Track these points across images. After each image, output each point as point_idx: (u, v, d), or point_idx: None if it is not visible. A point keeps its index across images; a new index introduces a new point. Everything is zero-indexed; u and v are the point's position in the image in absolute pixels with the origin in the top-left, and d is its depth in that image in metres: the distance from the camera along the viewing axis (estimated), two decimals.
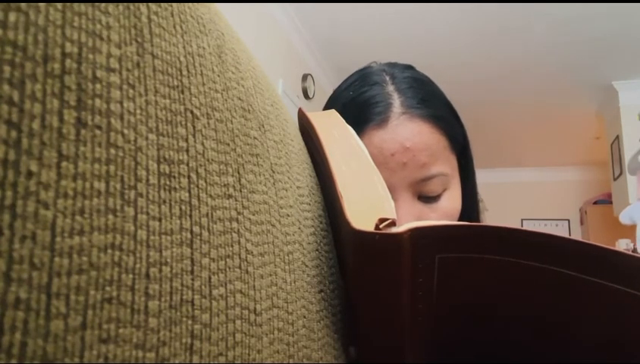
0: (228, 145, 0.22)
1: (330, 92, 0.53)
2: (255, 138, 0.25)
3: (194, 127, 0.19)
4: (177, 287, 0.16)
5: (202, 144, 0.20)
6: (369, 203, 0.28)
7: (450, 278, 0.25)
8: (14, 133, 0.12)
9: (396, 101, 0.45)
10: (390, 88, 0.46)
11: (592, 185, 5.10)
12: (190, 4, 0.22)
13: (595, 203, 4.60)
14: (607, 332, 0.25)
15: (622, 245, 3.35)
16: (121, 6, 0.17)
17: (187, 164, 0.18)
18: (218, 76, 0.23)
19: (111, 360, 0.13)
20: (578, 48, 2.94)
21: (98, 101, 0.15)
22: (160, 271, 0.16)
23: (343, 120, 0.39)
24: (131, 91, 0.16)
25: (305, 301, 0.27)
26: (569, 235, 2.51)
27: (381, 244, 0.24)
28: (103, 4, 0.16)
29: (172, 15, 0.20)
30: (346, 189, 0.29)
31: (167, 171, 0.17)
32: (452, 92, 0.54)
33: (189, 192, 0.18)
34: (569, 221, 5.22)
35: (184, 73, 0.20)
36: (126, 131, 0.16)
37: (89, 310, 0.13)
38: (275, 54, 2.66)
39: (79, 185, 0.14)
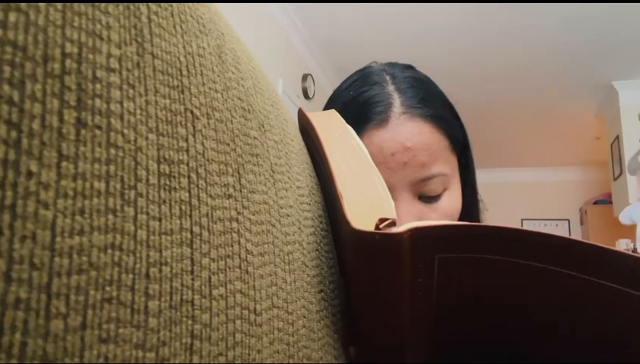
0: (228, 145, 0.22)
1: (330, 92, 0.53)
2: (255, 138, 0.25)
3: (194, 127, 0.19)
4: (177, 287, 0.16)
5: (202, 144, 0.20)
6: (369, 203, 0.28)
7: (450, 278, 0.25)
8: (14, 133, 0.12)
9: (397, 101, 0.45)
10: (391, 88, 0.46)
11: (592, 185, 5.10)
12: (190, 4, 0.22)
13: (595, 203, 4.61)
14: (607, 332, 0.25)
15: (622, 245, 3.35)
16: (121, 6, 0.17)
17: (187, 164, 0.18)
18: (218, 76, 0.23)
19: (111, 360, 0.13)
20: (578, 48, 2.94)
21: (98, 101, 0.15)
22: (160, 271, 0.16)
23: (343, 120, 0.39)
24: (131, 91, 0.16)
25: (305, 301, 0.27)
26: (569, 235, 2.51)
27: (381, 244, 0.24)
28: (103, 4, 0.16)
29: (172, 15, 0.20)
30: (346, 189, 0.29)
31: (167, 171, 0.17)
32: (452, 92, 0.54)
33: (189, 192, 0.18)
34: (569, 221, 5.22)
35: (184, 73, 0.20)
36: (126, 131, 0.16)
37: (89, 310, 0.13)
38: (275, 54, 2.66)
39: (79, 185, 0.14)
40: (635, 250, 2.81)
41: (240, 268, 0.20)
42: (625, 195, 3.34)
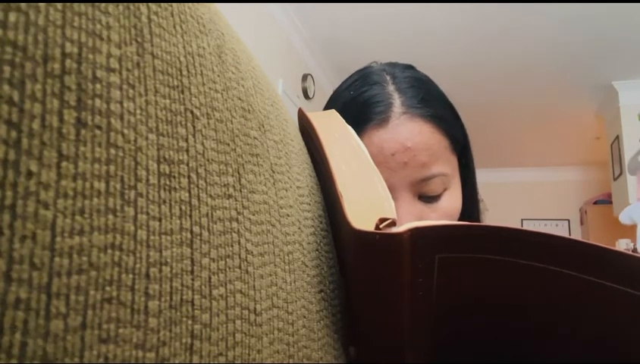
0: (228, 145, 0.22)
1: (331, 92, 0.53)
2: (255, 138, 0.25)
3: (194, 127, 0.19)
4: (177, 287, 0.16)
5: (202, 144, 0.20)
6: (369, 203, 0.28)
7: (450, 278, 0.25)
8: (14, 133, 0.12)
9: (397, 101, 0.45)
10: (391, 88, 0.46)
11: (592, 185, 5.10)
12: (190, 4, 0.22)
13: (595, 203, 4.61)
14: (607, 332, 0.25)
15: (622, 245, 3.35)
16: (121, 6, 0.17)
17: (187, 164, 0.18)
18: (218, 76, 0.23)
19: (111, 360, 0.13)
20: (578, 48, 2.94)
21: (98, 101, 0.15)
22: (160, 271, 0.16)
23: (343, 120, 0.39)
24: (131, 91, 0.16)
25: (305, 301, 0.27)
26: (569, 235, 2.51)
27: (381, 244, 0.24)
28: (103, 4, 0.16)
29: (172, 15, 0.20)
30: (346, 189, 0.29)
31: (167, 171, 0.17)
32: (452, 92, 0.54)
33: (189, 192, 0.18)
34: (569, 221, 5.22)
35: (184, 73, 0.20)
36: (126, 131, 0.16)
37: (89, 310, 0.13)
38: (275, 54, 2.66)
39: (79, 185, 0.14)
40: (635, 250, 2.81)
41: (240, 268, 0.20)
42: (625, 195, 3.34)
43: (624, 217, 2.27)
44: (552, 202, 5.30)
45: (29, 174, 0.12)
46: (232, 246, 0.20)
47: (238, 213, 0.21)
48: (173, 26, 0.20)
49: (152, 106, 0.17)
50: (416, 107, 0.44)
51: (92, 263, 0.13)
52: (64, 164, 0.13)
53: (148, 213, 0.16)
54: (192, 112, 0.20)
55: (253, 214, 0.23)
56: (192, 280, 0.17)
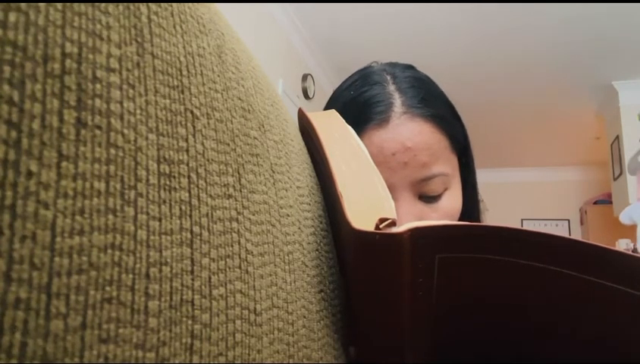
0: (228, 145, 0.22)
1: (331, 92, 0.53)
2: (255, 138, 0.25)
3: (194, 127, 0.19)
4: (177, 287, 0.16)
5: (202, 144, 0.20)
6: (369, 203, 0.28)
7: (450, 278, 0.25)
8: (14, 133, 0.12)
9: (397, 101, 0.45)
10: (391, 87, 0.46)
11: (592, 185, 5.10)
12: (190, 4, 0.22)
13: (595, 203, 4.61)
14: (607, 332, 0.25)
15: (622, 245, 3.35)
16: (121, 6, 0.17)
17: (187, 164, 0.18)
18: (218, 76, 0.23)
19: (111, 360, 0.13)
20: (578, 48, 2.94)
21: (98, 101, 0.15)
22: (160, 271, 0.16)
23: (343, 120, 0.39)
24: (131, 91, 0.16)
25: (305, 301, 0.27)
26: (569, 235, 2.51)
27: (381, 244, 0.24)
28: (103, 4, 0.16)
29: (172, 15, 0.20)
30: (346, 189, 0.29)
31: (167, 171, 0.17)
32: (452, 92, 0.54)
33: (189, 192, 0.18)
34: (569, 221, 5.22)
35: (184, 73, 0.20)
36: (126, 131, 0.16)
37: (89, 310, 0.13)
38: (275, 54, 2.66)
39: (79, 185, 0.14)
40: (635, 250, 2.81)
41: (240, 268, 0.20)
42: (625, 195, 3.34)
43: (624, 217, 2.27)
44: (552, 202, 5.30)
45: (29, 174, 0.12)
46: (232, 246, 0.20)
47: (238, 213, 0.21)
48: (173, 26, 0.20)
49: (152, 106, 0.17)
50: (417, 107, 0.44)
51: (92, 263, 0.13)
52: (64, 164, 0.13)
53: (148, 213, 0.16)
54: (192, 112, 0.20)
55: (253, 214, 0.23)
56: (192, 280, 0.17)
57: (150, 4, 0.19)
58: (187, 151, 0.19)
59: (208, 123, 0.21)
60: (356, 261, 0.27)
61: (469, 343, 0.31)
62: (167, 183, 0.17)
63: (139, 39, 0.17)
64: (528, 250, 0.22)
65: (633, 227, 2.30)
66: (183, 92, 0.19)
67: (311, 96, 3.07)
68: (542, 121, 4.07)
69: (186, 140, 0.19)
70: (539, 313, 0.26)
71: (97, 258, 0.14)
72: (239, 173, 0.22)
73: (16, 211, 0.12)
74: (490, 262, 0.23)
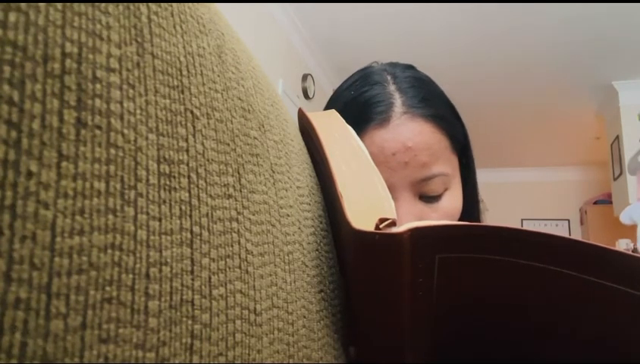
0: (228, 145, 0.22)
1: (331, 92, 0.53)
2: (255, 138, 0.25)
3: (194, 127, 0.19)
4: (177, 287, 0.16)
5: (202, 144, 0.20)
6: (369, 203, 0.28)
7: (450, 278, 0.25)
8: (14, 133, 0.12)
9: (398, 101, 0.45)
10: (392, 87, 0.46)
11: (592, 185, 5.10)
12: (190, 4, 0.22)
13: (595, 203, 4.61)
14: (607, 332, 0.25)
15: (622, 245, 3.35)
16: (121, 6, 0.17)
17: (187, 164, 0.18)
18: (218, 76, 0.23)
19: (111, 360, 0.13)
20: (578, 48, 2.94)
21: (98, 101, 0.15)
22: (160, 271, 0.16)
23: (343, 121, 0.39)
24: (131, 91, 0.16)
25: (305, 301, 0.27)
26: (569, 235, 2.51)
27: (381, 244, 0.24)
28: (103, 4, 0.16)
29: (172, 15, 0.20)
30: (346, 189, 0.29)
31: (167, 171, 0.17)
32: (452, 92, 0.54)
33: (189, 192, 0.18)
34: (569, 221, 5.22)
35: (184, 73, 0.20)
36: (126, 131, 0.16)
37: (89, 310, 0.13)
38: (275, 54, 2.66)
39: (79, 185, 0.14)
40: (635, 250, 2.81)
41: (240, 268, 0.20)
42: (625, 195, 3.34)
43: (624, 217, 2.27)
44: (552, 202, 5.30)
45: (29, 174, 0.12)
46: (232, 246, 0.20)
47: (238, 213, 0.21)
48: (173, 26, 0.20)
49: (152, 106, 0.17)
50: (417, 107, 0.44)
51: (92, 263, 0.13)
52: (64, 164, 0.13)
53: (148, 213, 0.16)
54: (192, 112, 0.20)
55: (253, 214, 0.23)
56: (192, 280, 0.17)
57: (150, 4, 0.19)
58: (187, 151, 0.19)
59: (208, 123, 0.21)
60: (356, 261, 0.27)
61: (469, 343, 0.31)
62: (167, 183, 0.17)
63: (139, 39, 0.17)
64: (528, 250, 0.22)
65: (633, 227, 2.30)
66: (183, 92, 0.19)
67: (311, 96, 3.07)
68: (542, 121, 4.07)
69: (186, 140, 0.19)
70: (539, 313, 0.26)
71: (97, 258, 0.14)
72: (239, 173, 0.22)
73: (16, 211, 0.12)
74: (491, 261, 0.23)
